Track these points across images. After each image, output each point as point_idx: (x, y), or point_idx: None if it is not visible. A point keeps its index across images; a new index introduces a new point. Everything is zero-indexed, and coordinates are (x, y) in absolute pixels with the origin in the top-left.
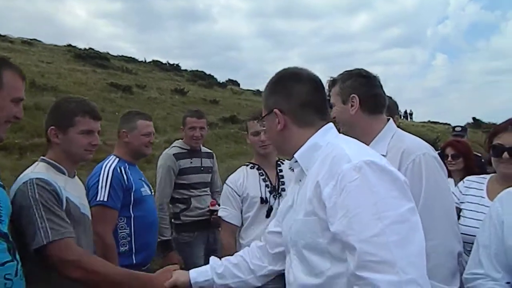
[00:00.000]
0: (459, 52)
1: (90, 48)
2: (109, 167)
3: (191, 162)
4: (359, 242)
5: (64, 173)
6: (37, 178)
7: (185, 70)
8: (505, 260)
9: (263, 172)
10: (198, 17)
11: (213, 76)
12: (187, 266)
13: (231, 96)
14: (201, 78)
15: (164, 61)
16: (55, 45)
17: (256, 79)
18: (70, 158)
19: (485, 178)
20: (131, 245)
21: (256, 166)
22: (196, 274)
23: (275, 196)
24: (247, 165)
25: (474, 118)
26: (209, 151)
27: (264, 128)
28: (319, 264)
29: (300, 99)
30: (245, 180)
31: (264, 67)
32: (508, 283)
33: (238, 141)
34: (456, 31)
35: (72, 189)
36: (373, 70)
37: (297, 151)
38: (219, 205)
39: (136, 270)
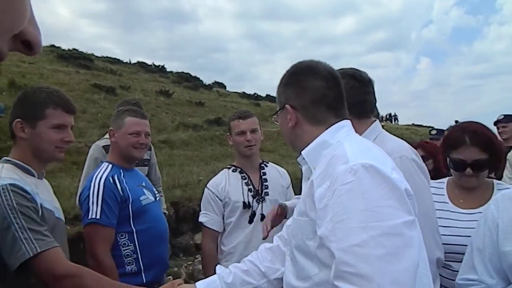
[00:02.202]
0: (442, 56)
1: (73, 49)
2: (100, 178)
3: None
4: (339, 251)
5: (33, 175)
6: (10, 184)
7: (171, 72)
8: (499, 265)
9: (246, 176)
10: (183, 18)
11: (199, 78)
12: None
13: (217, 98)
14: (187, 80)
15: (149, 63)
16: None
17: (242, 81)
18: (38, 156)
19: (442, 182)
20: (139, 262)
21: (239, 169)
22: (203, 285)
23: (258, 201)
24: (229, 168)
25: (456, 121)
26: None
27: (253, 127)
28: (307, 268)
29: (312, 94)
30: (227, 184)
31: (250, 70)
32: None
33: (223, 143)
34: (440, 35)
35: (44, 193)
36: None
37: (305, 148)
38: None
39: None
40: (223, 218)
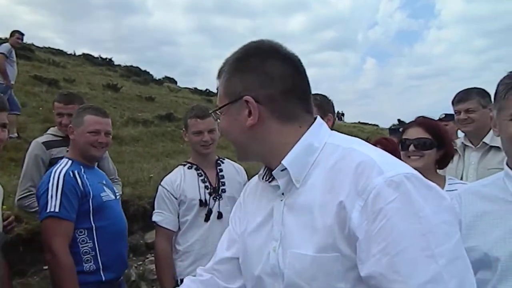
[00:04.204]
0: (387, 56)
1: None
2: (59, 171)
3: (67, 151)
4: None
5: None
6: None
7: (119, 65)
8: None
9: (202, 172)
10: (132, 9)
11: (148, 73)
12: None
13: (168, 94)
14: (136, 74)
15: (95, 55)
16: None
17: (193, 76)
18: None
19: None
20: (97, 260)
21: (195, 166)
22: None
23: (215, 198)
24: (184, 165)
25: (399, 120)
26: None
27: (211, 127)
28: None
29: (283, 83)
30: (182, 181)
31: (201, 64)
32: None
33: (174, 139)
34: (384, 37)
35: None
36: (309, 71)
37: (284, 155)
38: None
39: (108, 286)
40: (178, 217)
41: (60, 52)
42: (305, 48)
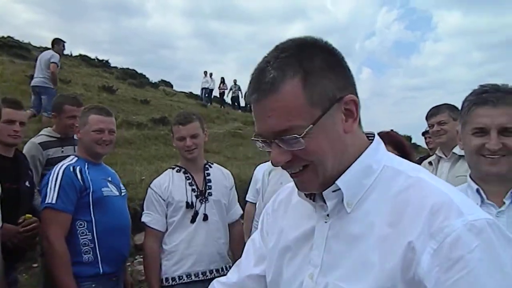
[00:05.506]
0: (383, 67)
1: (8, 37)
2: (60, 166)
3: (62, 151)
4: None
5: None
6: None
7: (115, 68)
8: None
9: (190, 176)
10: (130, 11)
11: (145, 76)
12: None
13: (164, 97)
14: (132, 76)
15: (92, 56)
16: None
17: (189, 81)
18: None
19: None
20: (96, 252)
21: (183, 170)
22: None
23: (201, 201)
24: (173, 168)
25: (392, 130)
26: None
27: (193, 132)
28: None
29: (354, 82)
30: (170, 184)
31: (198, 69)
32: None
33: (167, 143)
34: (381, 48)
35: None
36: None
37: (339, 173)
38: None
39: (105, 279)
40: (166, 218)
41: None
42: None
